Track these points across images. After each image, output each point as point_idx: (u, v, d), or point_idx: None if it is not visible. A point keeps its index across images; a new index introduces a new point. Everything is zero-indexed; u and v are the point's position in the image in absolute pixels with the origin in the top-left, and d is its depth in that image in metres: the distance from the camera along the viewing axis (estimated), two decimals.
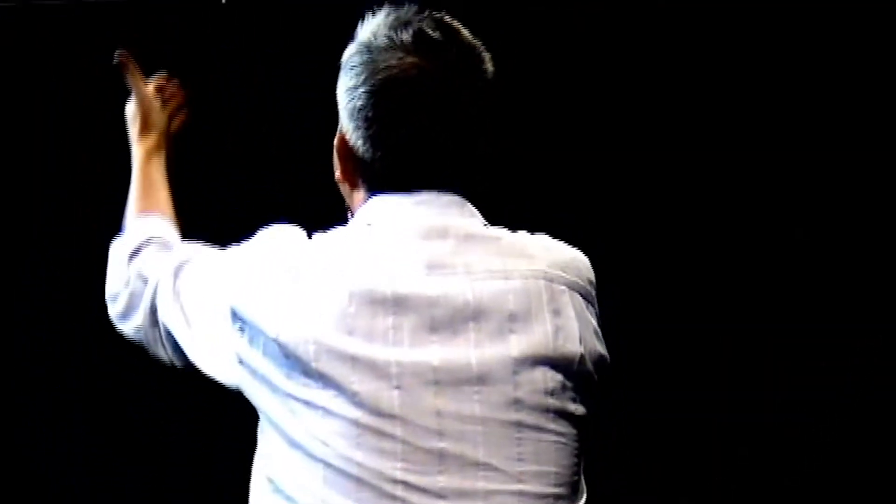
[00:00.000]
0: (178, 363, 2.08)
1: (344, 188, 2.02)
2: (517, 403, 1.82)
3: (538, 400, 1.83)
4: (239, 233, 2.11)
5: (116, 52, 2.53)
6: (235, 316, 1.85)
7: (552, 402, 1.84)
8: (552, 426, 1.84)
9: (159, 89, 2.60)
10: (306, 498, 1.81)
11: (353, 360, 1.78)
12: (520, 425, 1.82)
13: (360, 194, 1.97)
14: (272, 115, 4.29)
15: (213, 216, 3.64)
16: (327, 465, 1.79)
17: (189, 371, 2.06)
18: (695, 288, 4.16)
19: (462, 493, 1.80)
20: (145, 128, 2.52)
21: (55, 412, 5.45)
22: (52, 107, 4.32)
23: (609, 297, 2.12)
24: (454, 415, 1.80)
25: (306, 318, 1.79)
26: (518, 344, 1.83)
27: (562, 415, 1.85)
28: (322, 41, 3.55)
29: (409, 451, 1.79)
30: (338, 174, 2.00)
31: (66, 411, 5.49)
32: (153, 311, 2.08)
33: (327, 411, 1.78)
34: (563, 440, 1.86)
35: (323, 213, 2.13)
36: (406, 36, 1.91)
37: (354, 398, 1.77)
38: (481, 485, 1.81)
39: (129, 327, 2.18)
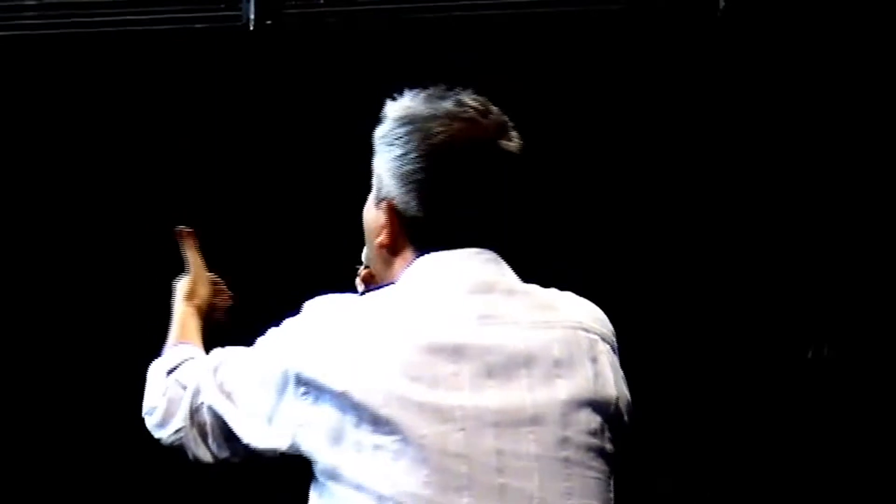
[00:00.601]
0: (221, 455, 2.16)
1: (381, 256, 2.14)
2: (566, 442, 1.96)
3: (584, 439, 1.97)
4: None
5: (177, 227, 2.57)
6: (300, 381, 1.97)
7: (594, 441, 1.98)
8: (594, 463, 1.98)
9: (215, 292, 2.64)
10: None
11: (420, 406, 1.91)
12: (568, 462, 1.95)
13: (405, 256, 2.10)
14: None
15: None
16: (400, 497, 1.91)
17: (232, 460, 2.17)
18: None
19: None
20: (191, 296, 2.54)
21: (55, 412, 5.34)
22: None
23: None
24: (512, 453, 1.92)
25: (373, 369, 1.92)
26: (566, 388, 1.98)
27: (601, 453, 1.99)
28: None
29: (474, 486, 1.92)
30: (381, 240, 2.12)
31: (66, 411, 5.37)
32: (193, 411, 2.15)
33: (397, 453, 1.89)
34: (602, 476, 1.99)
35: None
36: (448, 105, 2.06)
37: (422, 440, 1.90)
38: None
39: (167, 433, 2.22)
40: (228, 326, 2.75)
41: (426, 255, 2.06)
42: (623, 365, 2.15)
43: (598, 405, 2.02)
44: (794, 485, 4.24)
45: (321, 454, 1.96)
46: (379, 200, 2.14)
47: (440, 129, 2.05)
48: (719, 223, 4.50)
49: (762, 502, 4.26)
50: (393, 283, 2.13)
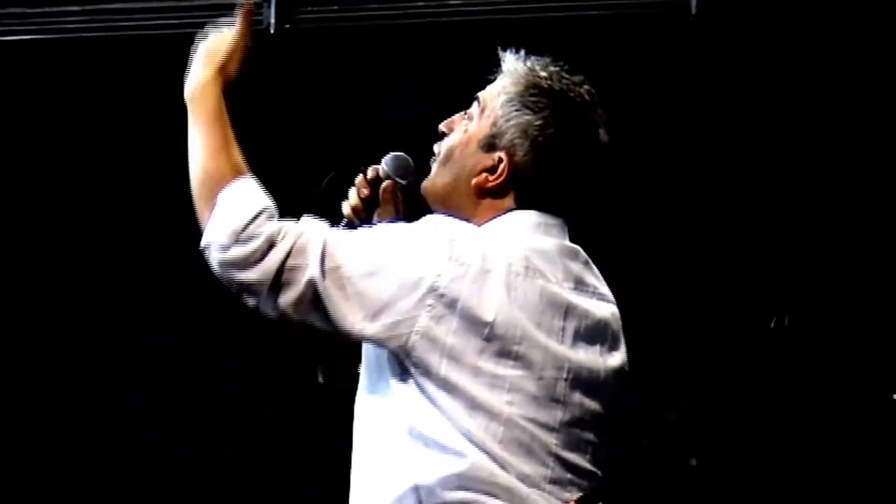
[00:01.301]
0: (296, 318, 2.23)
1: (468, 192, 2.36)
2: (612, 405, 2.26)
3: (617, 404, 2.29)
4: None
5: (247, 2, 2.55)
6: (436, 295, 2.15)
7: (618, 410, 2.31)
8: (615, 426, 2.30)
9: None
10: (469, 449, 2.16)
11: (545, 350, 2.16)
12: (607, 421, 2.26)
13: (501, 203, 2.34)
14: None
15: None
16: (508, 423, 2.14)
17: (301, 323, 2.24)
18: None
19: (582, 472, 2.21)
20: (224, 69, 2.48)
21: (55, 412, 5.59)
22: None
23: None
24: (588, 408, 2.20)
25: (513, 306, 2.15)
26: (619, 359, 2.29)
27: (619, 418, 2.33)
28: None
29: (562, 431, 2.18)
30: (483, 181, 2.34)
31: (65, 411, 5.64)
32: (286, 271, 2.19)
33: (514, 385, 2.15)
34: (615, 438, 2.33)
35: None
36: (582, 90, 2.36)
37: (539, 381, 2.16)
38: (589, 466, 2.23)
39: (246, 276, 2.23)
40: None
41: (527, 211, 2.31)
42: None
43: (626, 378, 2.33)
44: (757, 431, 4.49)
45: (436, 367, 2.16)
46: (491, 147, 2.36)
47: (581, 113, 2.35)
48: (690, 212, 4.80)
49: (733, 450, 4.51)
50: (456, 216, 2.34)
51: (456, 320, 2.18)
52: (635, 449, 4.33)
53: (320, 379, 3.08)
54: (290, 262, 2.21)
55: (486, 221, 2.41)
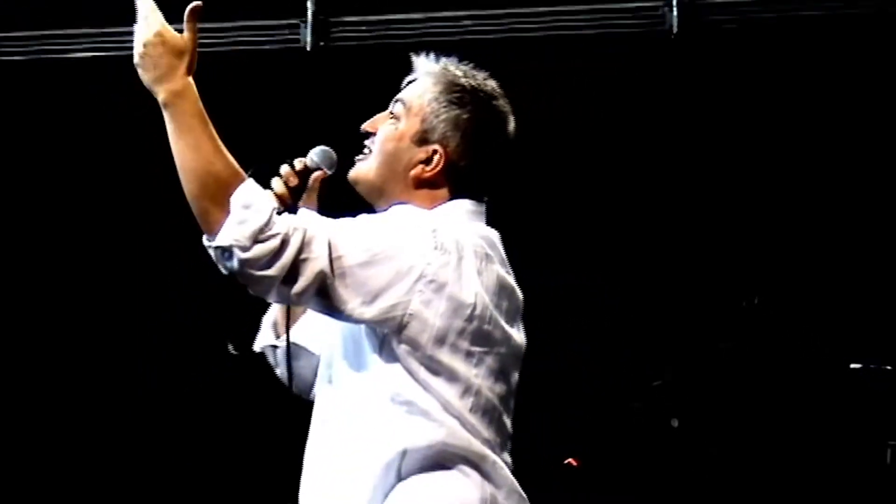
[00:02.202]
0: (301, 303, 2.44)
1: (406, 183, 2.52)
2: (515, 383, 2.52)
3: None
4: None
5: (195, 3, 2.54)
6: (427, 281, 2.32)
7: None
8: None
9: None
10: (447, 418, 2.37)
11: (502, 330, 2.38)
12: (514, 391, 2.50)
13: (438, 193, 2.51)
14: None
15: None
16: (477, 394, 2.36)
17: (325, 310, 2.38)
18: None
19: (510, 437, 2.45)
20: (190, 70, 2.45)
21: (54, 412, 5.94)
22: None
23: None
24: (515, 379, 2.44)
25: (484, 289, 2.36)
26: (523, 337, 2.49)
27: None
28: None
29: (505, 400, 2.40)
30: (420, 173, 2.50)
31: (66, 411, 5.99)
32: (297, 263, 2.32)
33: (480, 360, 2.36)
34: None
35: None
36: (493, 84, 2.53)
37: (496, 356, 2.38)
38: (511, 431, 2.47)
39: (269, 272, 2.33)
40: None
41: (463, 199, 2.49)
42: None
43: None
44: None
45: (423, 346, 2.36)
46: (424, 142, 2.51)
47: (498, 105, 2.52)
48: (678, 210, 5.24)
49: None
50: (391, 205, 2.49)
51: (443, 304, 2.35)
52: (627, 411, 4.80)
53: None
54: (301, 256, 2.31)
55: (426, 209, 2.59)
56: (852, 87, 5.09)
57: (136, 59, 2.45)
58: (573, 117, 5.24)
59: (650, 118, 5.22)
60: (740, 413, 4.82)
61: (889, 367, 4.77)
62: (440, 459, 2.44)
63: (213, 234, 2.33)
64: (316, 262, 2.32)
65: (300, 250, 2.30)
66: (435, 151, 2.53)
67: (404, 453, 2.41)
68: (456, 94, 2.54)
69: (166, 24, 2.42)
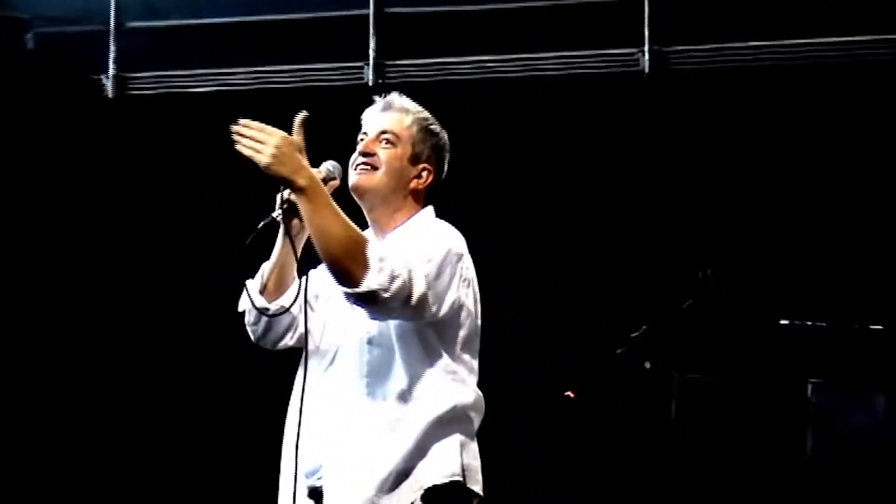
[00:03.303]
0: (431, 313, 2.97)
1: (402, 194, 3.15)
2: None
3: None
4: None
5: (303, 113, 2.99)
6: (465, 281, 3.01)
7: None
8: None
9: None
10: (474, 384, 3.07)
11: (479, 305, 3.10)
12: None
13: (419, 202, 3.17)
14: None
15: None
16: (476, 362, 3.08)
17: (419, 314, 2.95)
18: None
19: None
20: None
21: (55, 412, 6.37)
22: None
23: None
24: None
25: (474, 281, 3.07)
26: None
27: None
28: None
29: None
30: (416, 186, 3.16)
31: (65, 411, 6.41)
32: (410, 289, 2.91)
33: (478, 333, 3.08)
34: None
35: None
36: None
37: (478, 327, 3.10)
38: None
39: (405, 304, 2.91)
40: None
41: (429, 206, 3.16)
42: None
43: None
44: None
45: (463, 328, 3.05)
46: (416, 161, 3.17)
47: (443, 133, 3.22)
48: (646, 218, 5.91)
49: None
50: (387, 207, 3.14)
51: (472, 294, 3.06)
52: (612, 357, 5.12)
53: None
54: (415, 287, 2.90)
55: (412, 214, 3.19)
56: (790, 126, 5.82)
57: (267, 161, 2.88)
58: (563, 143, 6.02)
59: (626, 144, 6.00)
60: (698, 357, 5.28)
61: (809, 323, 5.15)
62: (471, 414, 3.08)
63: (355, 284, 2.85)
64: (420, 287, 2.92)
65: (413, 283, 2.89)
66: (424, 169, 3.19)
67: (454, 408, 3.03)
68: (430, 125, 3.22)
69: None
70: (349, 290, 2.86)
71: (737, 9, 5.93)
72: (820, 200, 5.88)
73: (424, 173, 3.17)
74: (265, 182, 3.29)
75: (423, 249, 2.97)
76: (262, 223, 3.15)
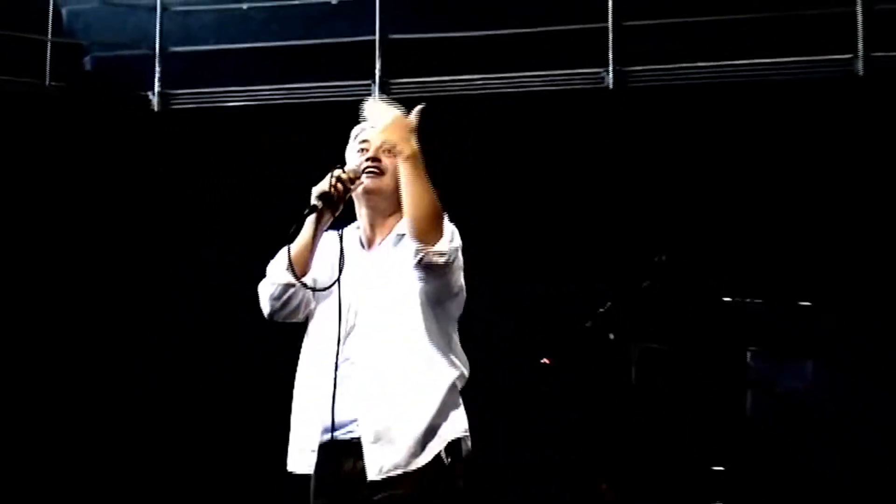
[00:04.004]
0: (458, 287, 3.27)
1: (399, 200, 3.28)
2: None
3: None
4: None
5: (421, 105, 3.29)
6: (461, 262, 3.24)
7: None
8: None
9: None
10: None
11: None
12: None
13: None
14: None
15: None
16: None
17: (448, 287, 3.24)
18: None
19: None
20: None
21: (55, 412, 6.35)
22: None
23: None
24: None
25: None
26: None
27: None
28: None
29: None
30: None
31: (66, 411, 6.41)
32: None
33: (459, 296, 3.30)
34: None
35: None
36: None
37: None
38: None
39: (454, 263, 3.22)
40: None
41: None
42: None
43: None
44: None
45: (460, 305, 3.30)
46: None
47: None
48: (611, 216, 6.22)
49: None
50: (390, 204, 3.29)
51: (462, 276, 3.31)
52: (581, 329, 5.20)
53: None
54: (459, 264, 3.23)
55: (400, 217, 3.27)
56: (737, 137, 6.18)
57: (385, 123, 3.18)
58: (538, 149, 6.32)
59: (592, 150, 6.30)
60: (655, 329, 5.46)
61: (748, 300, 5.45)
62: (464, 379, 3.32)
63: (431, 244, 3.14)
64: (460, 264, 3.26)
65: (460, 259, 3.25)
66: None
67: (461, 375, 3.30)
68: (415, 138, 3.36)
69: None
70: (422, 247, 3.13)
71: (685, 35, 6.32)
72: (755, 199, 6.18)
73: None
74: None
75: (452, 232, 3.23)
76: (306, 211, 3.26)
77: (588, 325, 5.23)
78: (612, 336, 5.29)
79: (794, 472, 5.49)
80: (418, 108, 3.20)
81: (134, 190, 6.84)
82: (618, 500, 5.54)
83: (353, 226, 3.41)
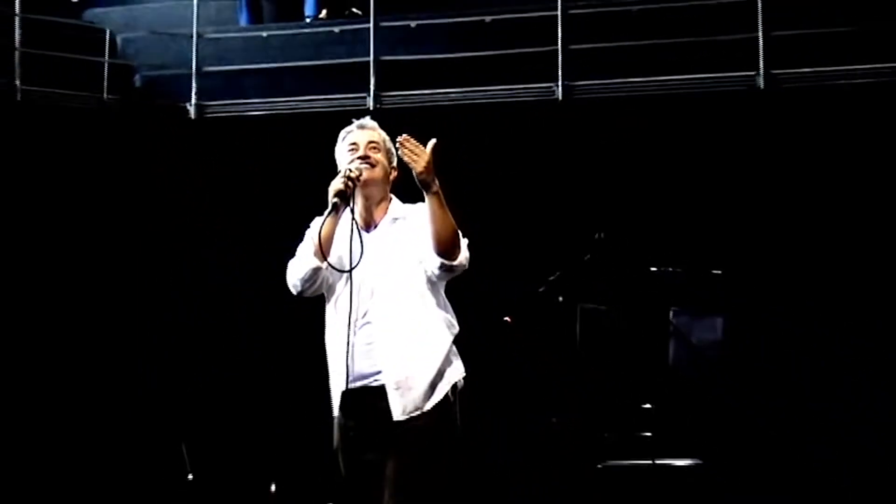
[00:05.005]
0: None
1: (388, 185, 3.54)
2: None
3: None
4: None
5: (434, 140, 3.36)
6: None
7: None
8: None
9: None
10: None
11: None
12: None
13: (390, 192, 3.57)
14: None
15: None
16: None
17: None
18: None
19: None
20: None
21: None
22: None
23: None
24: None
25: None
26: None
27: None
28: None
29: None
30: (394, 178, 3.57)
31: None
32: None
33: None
34: None
35: None
36: None
37: None
38: None
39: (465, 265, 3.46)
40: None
41: None
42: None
43: None
44: None
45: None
46: (390, 161, 3.50)
47: None
48: (562, 209, 6.49)
49: None
50: (383, 193, 3.48)
51: None
52: (536, 294, 5.54)
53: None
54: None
55: (391, 201, 3.51)
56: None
57: (421, 168, 3.26)
58: (495, 151, 6.61)
59: (543, 153, 6.56)
60: (595, 293, 5.77)
61: (670, 269, 5.81)
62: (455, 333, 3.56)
63: (453, 259, 3.36)
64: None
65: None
66: (394, 168, 3.58)
67: (457, 332, 3.55)
68: (389, 139, 3.57)
69: None
70: (446, 261, 3.39)
71: (620, 56, 6.62)
72: (674, 190, 6.50)
73: (393, 171, 3.62)
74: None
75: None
76: (329, 209, 3.43)
77: (541, 290, 5.59)
78: (560, 299, 5.63)
79: (706, 409, 5.85)
80: (432, 143, 3.35)
81: (171, 186, 7.05)
82: (569, 432, 5.84)
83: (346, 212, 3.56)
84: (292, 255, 3.57)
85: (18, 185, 6.63)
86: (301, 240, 3.54)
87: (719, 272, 5.97)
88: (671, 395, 5.81)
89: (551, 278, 5.59)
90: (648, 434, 5.73)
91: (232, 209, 7.00)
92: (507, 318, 5.47)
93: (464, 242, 3.44)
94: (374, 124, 3.59)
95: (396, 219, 3.56)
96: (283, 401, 6.47)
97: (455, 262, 3.38)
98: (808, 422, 6.10)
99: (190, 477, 5.56)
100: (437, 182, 3.35)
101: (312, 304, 3.62)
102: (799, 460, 6.07)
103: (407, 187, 3.48)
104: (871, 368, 6.11)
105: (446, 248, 3.38)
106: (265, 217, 6.58)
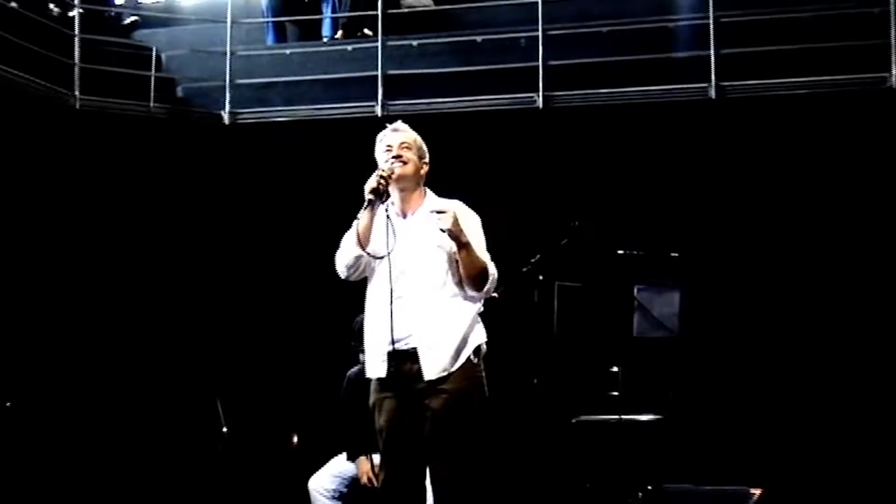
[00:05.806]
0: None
1: (421, 178, 3.75)
2: None
3: None
4: None
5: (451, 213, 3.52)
6: None
7: None
8: None
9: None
10: None
11: None
12: None
13: (424, 187, 3.75)
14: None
15: None
16: None
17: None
18: None
19: None
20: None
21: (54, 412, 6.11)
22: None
23: None
24: None
25: None
26: None
27: None
28: None
29: None
30: (425, 172, 3.75)
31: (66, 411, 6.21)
32: None
33: None
34: None
35: None
36: None
37: None
38: None
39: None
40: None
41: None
42: None
43: None
44: None
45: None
46: (421, 158, 3.72)
47: None
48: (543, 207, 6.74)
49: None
50: (416, 187, 3.65)
51: None
52: (519, 273, 5.58)
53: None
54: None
55: (425, 194, 3.72)
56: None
57: (451, 226, 3.53)
58: (480, 154, 6.83)
59: (524, 156, 6.82)
60: (571, 273, 6.11)
61: (635, 252, 6.11)
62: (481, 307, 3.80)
63: (481, 289, 3.64)
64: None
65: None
66: (426, 163, 3.83)
67: (481, 302, 3.78)
68: (420, 138, 3.83)
69: None
70: (475, 293, 3.68)
71: (593, 70, 6.89)
72: (639, 183, 6.83)
73: (425, 167, 3.84)
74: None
75: (482, 244, 3.71)
76: (365, 205, 3.64)
77: (524, 270, 5.83)
78: (541, 277, 5.93)
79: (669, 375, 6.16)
80: (453, 210, 3.65)
81: (204, 186, 7.32)
82: (548, 391, 6.07)
83: (388, 202, 3.80)
84: (333, 244, 3.87)
85: (77, 182, 6.88)
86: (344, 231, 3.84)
87: (676, 255, 6.28)
88: (635, 360, 6.18)
89: (532, 260, 5.83)
90: (616, 393, 6.08)
91: (260, 201, 7.36)
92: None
93: (493, 271, 3.72)
94: (406, 126, 3.87)
95: (433, 211, 3.79)
96: (282, 401, 6.83)
97: (482, 293, 3.74)
98: (751, 382, 6.50)
99: (224, 430, 5.94)
100: (464, 234, 3.67)
101: (337, 290, 3.90)
102: (745, 414, 6.43)
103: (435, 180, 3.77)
104: (804, 330, 6.50)
105: (475, 284, 3.73)
106: (288, 206, 7.02)
